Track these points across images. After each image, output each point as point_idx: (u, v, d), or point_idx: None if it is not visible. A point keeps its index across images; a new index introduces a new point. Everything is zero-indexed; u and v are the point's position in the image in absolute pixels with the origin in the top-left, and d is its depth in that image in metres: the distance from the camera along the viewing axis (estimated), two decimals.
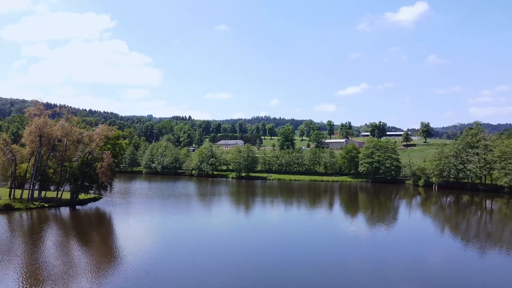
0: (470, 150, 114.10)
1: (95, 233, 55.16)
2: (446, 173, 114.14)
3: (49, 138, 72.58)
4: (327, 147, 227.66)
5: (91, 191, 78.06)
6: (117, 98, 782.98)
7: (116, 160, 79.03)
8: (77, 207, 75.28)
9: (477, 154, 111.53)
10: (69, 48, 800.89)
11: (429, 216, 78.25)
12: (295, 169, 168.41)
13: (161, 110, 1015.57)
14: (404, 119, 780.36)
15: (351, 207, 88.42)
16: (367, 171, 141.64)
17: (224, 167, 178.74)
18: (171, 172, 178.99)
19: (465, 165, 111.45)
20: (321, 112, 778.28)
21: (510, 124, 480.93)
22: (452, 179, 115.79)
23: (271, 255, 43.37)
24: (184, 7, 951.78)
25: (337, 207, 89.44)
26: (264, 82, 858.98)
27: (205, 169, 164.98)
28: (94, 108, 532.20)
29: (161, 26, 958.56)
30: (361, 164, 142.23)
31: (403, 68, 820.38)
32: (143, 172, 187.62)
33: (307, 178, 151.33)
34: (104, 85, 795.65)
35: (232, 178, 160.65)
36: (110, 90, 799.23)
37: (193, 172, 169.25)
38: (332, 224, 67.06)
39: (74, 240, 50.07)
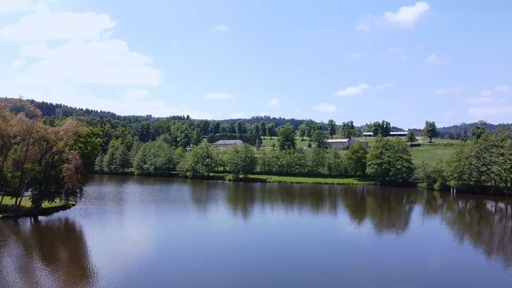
0: (494, 150, 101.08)
1: (62, 250, 45.32)
2: (466, 175, 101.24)
3: (6, 135, 59.90)
4: (329, 147, 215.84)
5: (59, 198, 65.34)
6: (117, 99, 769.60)
7: (88, 161, 66.26)
8: (40, 217, 62.57)
9: (502, 154, 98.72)
10: (69, 48, 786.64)
11: (447, 223, 69.24)
12: (296, 170, 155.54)
13: (161, 110, 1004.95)
14: (404, 119, 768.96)
15: (357, 212, 79.35)
16: (376, 173, 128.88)
17: (221, 168, 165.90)
18: (165, 174, 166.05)
19: (489, 166, 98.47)
20: (321, 112, 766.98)
21: (511, 124, 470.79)
22: (473, 183, 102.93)
23: (270, 258, 42.13)
24: (184, 7, 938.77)
25: (342, 212, 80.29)
26: (264, 82, 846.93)
27: (200, 171, 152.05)
28: (93, 108, 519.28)
29: (161, 26, 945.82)
30: (369, 165, 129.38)
31: (403, 68, 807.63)
32: (135, 173, 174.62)
33: (309, 180, 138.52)
34: (104, 85, 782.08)
35: (229, 180, 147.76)
36: (110, 90, 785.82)
37: (188, 173, 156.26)
38: (336, 230, 60.48)
39: (36, 259, 40.93)
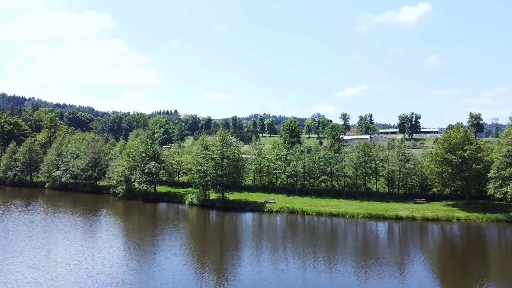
0: None
1: None
2: None
3: None
4: (346, 145, 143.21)
5: None
6: (116, 99, 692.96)
7: None
8: None
9: None
10: (67, 47, 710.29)
11: None
12: (321, 185, 79.66)
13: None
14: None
15: None
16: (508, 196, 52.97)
17: (186, 178, 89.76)
18: (88, 188, 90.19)
19: None
20: (320, 113, 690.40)
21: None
22: None
23: None
24: (183, 7, 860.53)
25: None
26: (263, 82, 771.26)
27: (138, 185, 75.62)
28: (72, 103, 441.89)
29: (160, 26, 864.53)
30: (495, 179, 53.55)
31: (403, 69, 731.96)
32: (46, 185, 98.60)
33: (358, 209, 62.73)
34: (103, 86, 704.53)
35: (190, 203, 71.50)
36: (108, 90, 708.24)
37: (118, 190, 79.83)
38: None
39: None
